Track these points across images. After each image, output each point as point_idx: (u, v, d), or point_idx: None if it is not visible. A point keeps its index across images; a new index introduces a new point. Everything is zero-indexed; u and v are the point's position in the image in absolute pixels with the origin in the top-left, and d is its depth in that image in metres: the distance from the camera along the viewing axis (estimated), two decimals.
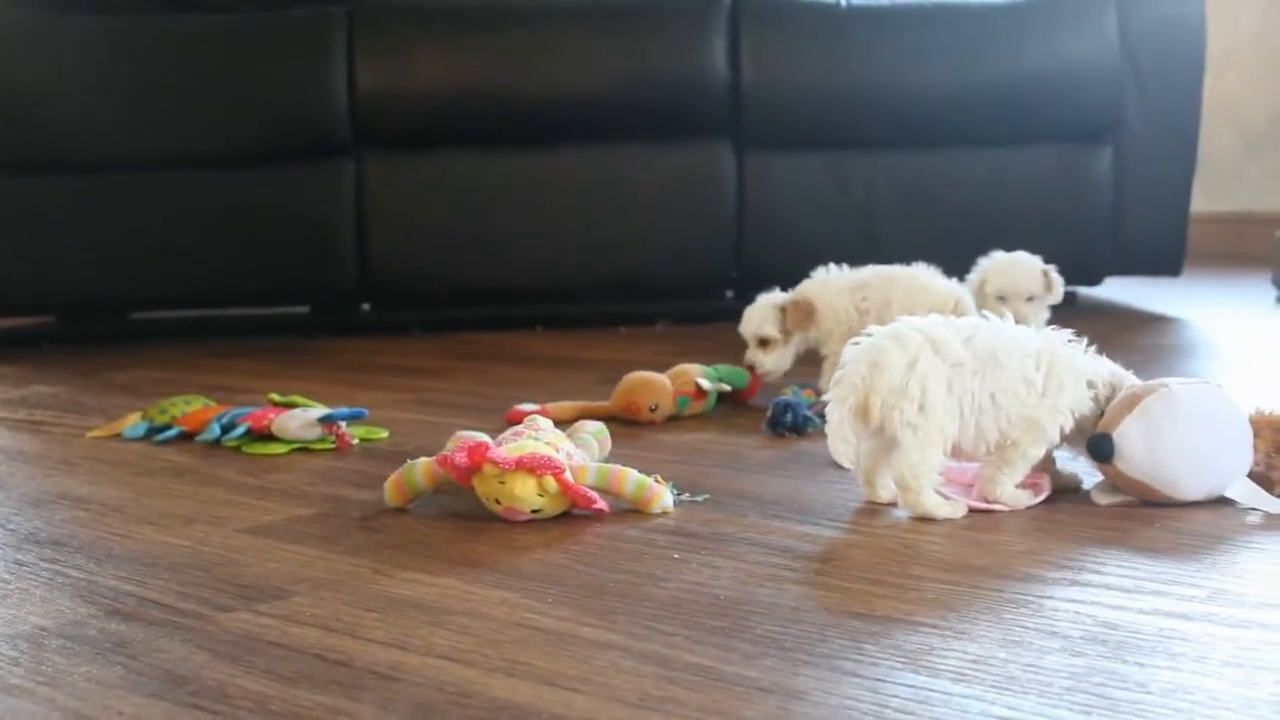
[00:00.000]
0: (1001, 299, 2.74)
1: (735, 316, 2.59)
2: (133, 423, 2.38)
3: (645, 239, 3.70)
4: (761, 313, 2.55)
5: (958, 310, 2.35)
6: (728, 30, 3.63)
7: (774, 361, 2.54)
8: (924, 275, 2.55)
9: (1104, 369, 1.79)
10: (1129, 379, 1.80)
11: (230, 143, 3.59)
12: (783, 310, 2.53)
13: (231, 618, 1.40)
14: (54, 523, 1.83)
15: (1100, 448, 1.71)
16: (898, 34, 3.69)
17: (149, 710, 1.17)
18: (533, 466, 1.69)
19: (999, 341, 1.74)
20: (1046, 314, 2.75)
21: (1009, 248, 2.84)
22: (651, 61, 3.64)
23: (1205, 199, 4.64)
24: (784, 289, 2.59)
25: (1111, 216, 3.77)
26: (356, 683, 1.21)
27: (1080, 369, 1.76)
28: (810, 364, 2.57)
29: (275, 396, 2.35)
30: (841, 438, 1.72)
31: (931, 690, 1.15)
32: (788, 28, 3.67)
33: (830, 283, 2.57)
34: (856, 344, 1.75)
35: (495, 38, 3.65)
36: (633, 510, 1.76)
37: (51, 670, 1.28)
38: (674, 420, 2.38)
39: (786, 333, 2.53)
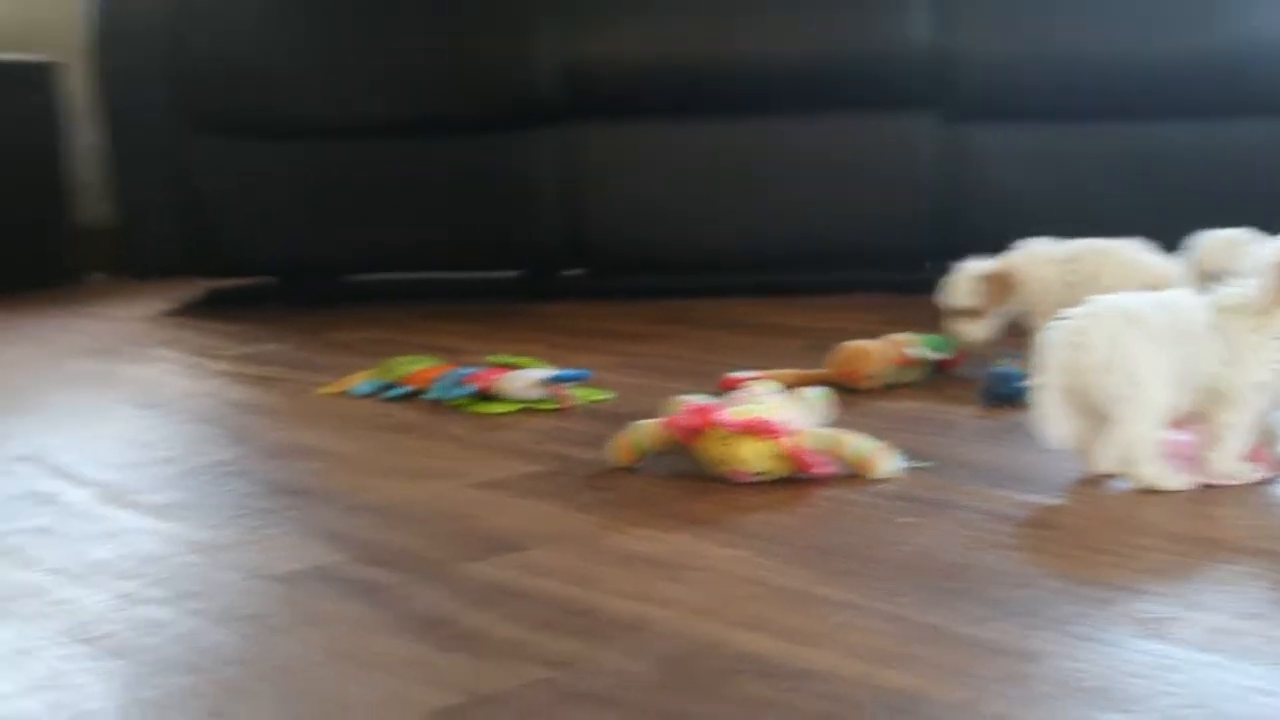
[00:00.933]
0: (1219, 278, 2.69)
1: (939, 287, 2.58)
2: (361, 380, 2.46)
3: (849, 208, 3.68)
4: (961, 283, 2.54)
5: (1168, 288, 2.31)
6: None
7: (975, 331, 2.52)
8: (1137, 251, 2.51)
9: None
10: None
11: (442, 109, 3.68)
12: (982, 281, 2.52)
13: (474, 567, 1.47)
14: (295, 473, 1.92)
15: None
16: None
17: (408, 650, 1.24)
18: (758, 430, 1.73)
19: (1187, 312, 1.74)
20: None
21: (1227, 225, 2.78)
22: (854, 29, 3.63)
23: None
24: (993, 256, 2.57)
25: None
26: (603, 632, 1.26)
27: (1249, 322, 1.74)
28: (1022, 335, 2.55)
29: (502, 358, 2.41)
30: (1052, 421, 1.72)
31: (1167, 657, 1.17)
32: None
33: (1037, 254, 2.54)
34: (1051, 328, 1.76)
35: (699, 6, 3.67)
36: (854, 475, 1.78)
37: (309, 612, 1.36)
38: (888, 389, 2.40)
39: (986, 304, 2.52)
